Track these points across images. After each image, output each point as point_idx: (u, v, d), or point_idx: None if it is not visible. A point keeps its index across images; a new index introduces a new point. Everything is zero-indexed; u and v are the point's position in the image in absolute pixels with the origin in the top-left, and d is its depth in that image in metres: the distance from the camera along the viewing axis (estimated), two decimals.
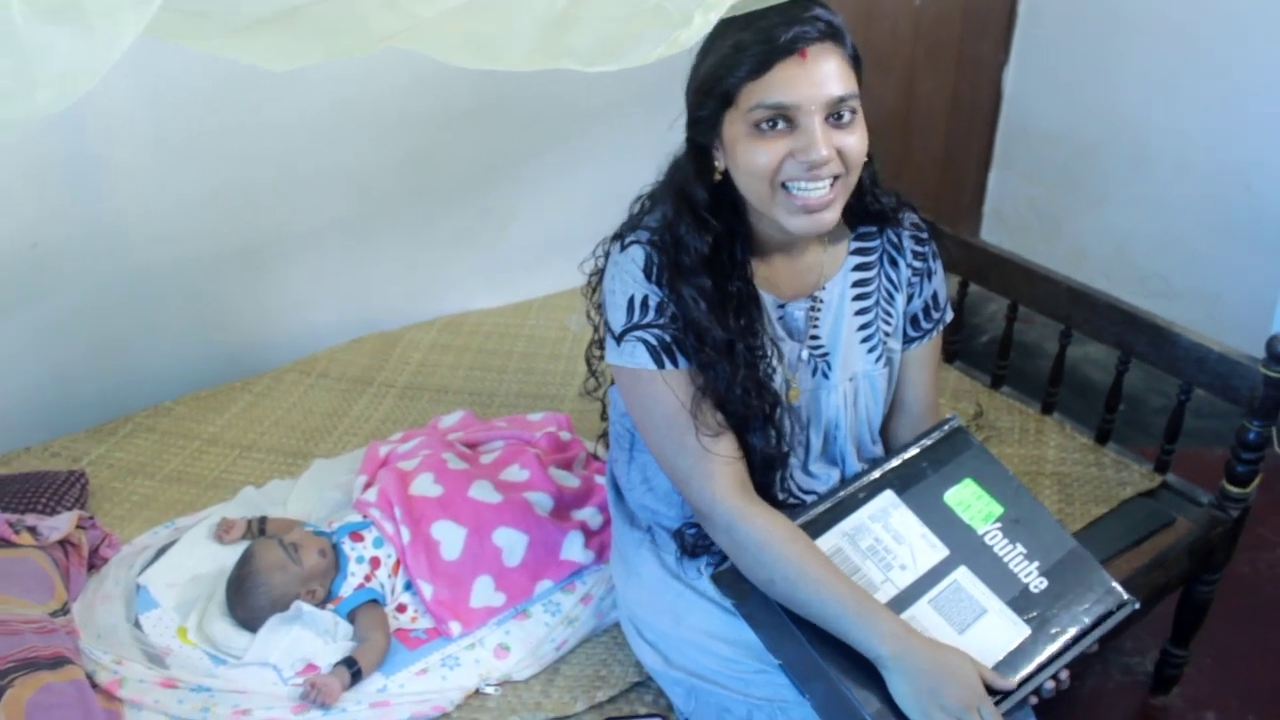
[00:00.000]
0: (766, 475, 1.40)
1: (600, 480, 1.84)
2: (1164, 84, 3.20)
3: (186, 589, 1.66)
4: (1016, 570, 1.39)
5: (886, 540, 1.38)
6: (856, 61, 1.28)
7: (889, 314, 1.50)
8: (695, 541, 1.47)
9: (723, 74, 1.25)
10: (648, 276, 1.34)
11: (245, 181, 2.21)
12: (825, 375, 1.46)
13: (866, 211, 1.46)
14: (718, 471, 1.33)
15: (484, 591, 1.63)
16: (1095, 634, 1.36)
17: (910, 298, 1.51)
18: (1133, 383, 3.10)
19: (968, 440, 1.49)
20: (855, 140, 1.27)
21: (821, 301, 1.45)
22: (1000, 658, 1.30)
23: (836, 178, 1.27)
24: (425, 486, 1.73)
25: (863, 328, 1.47)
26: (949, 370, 2.36)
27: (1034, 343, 3.30)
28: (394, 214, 2.44)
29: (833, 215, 1.29)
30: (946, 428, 1.50)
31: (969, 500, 1.44)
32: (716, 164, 1.33)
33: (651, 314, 1.34)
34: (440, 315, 2.54)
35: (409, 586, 1.66)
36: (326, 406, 2.21)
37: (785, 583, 1.29)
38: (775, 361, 1.39)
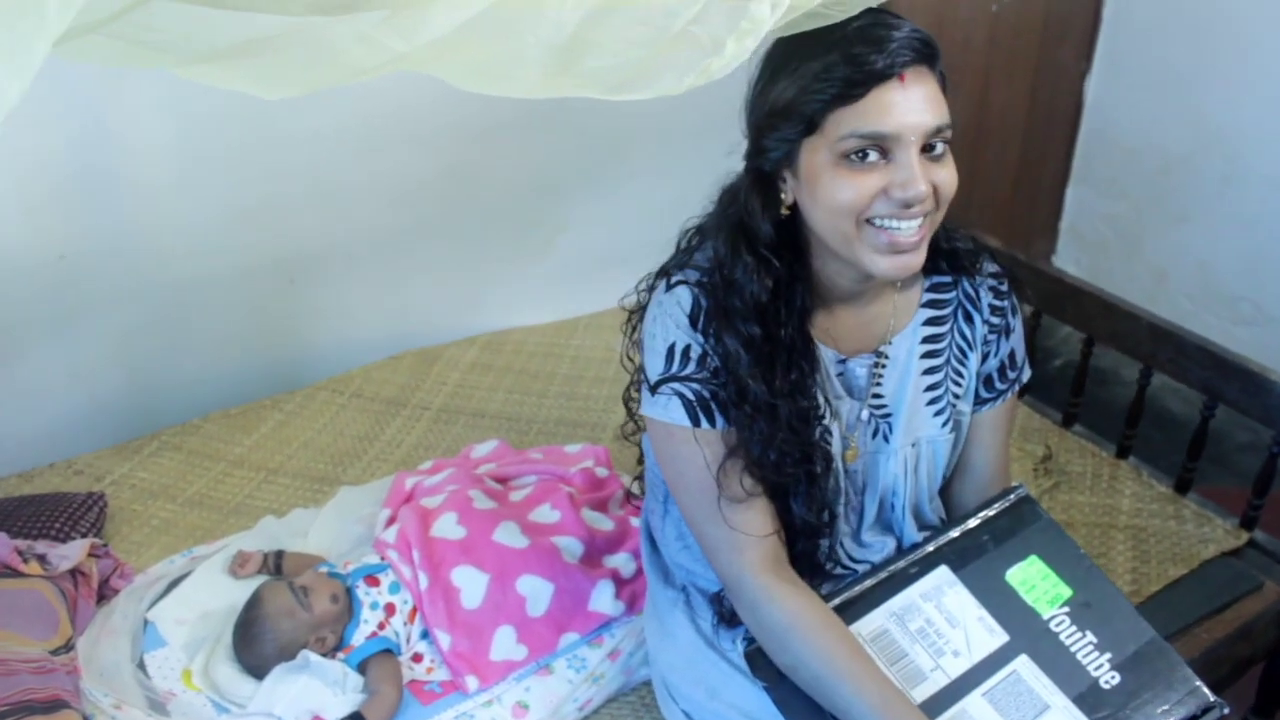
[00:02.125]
0: (810, 543, 1.27)
1: (636, 523, 1.73)
2: (1258, 94, 2.99)
3: (196, 626, 1.59)
4: (1085, 662, 1.23)
5: (939, 622, 1.24)
6: (944, 84, 1.14)
7: (960, 374, 1.34)
8: (734, 609, 1.35)
9: (806, 98, 1.11)
10: (693, 324, 1.20)
11: (278, 195, 2.14)
12: (885, 439, 1.32)
13: (938, 250, 1.31)
14: (749, 544, 1.21)
15: (505, 643, 1.53)
16: None
17: (985, 357, 1.36)
18: (1218, 420, 2.91)
19: (1036, 512, 1.34)
20: (948, 174, 1.14)
21: (887, 358, 1.30)
22: None
23: (926, 215, 1.13)
24: (447, 528, 1.63)
25: (930, 388, 1.32)
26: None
27: (1109, 368, 3.12)
28: (433, 227, 2.36)
29: (921, 257, 1.15)
30: (1013, 497, 1.35)
31: (1034, 580, 1.29)
32: (784, 196, 1.19)
33: (693, 366, 1.21)
34: (482, 332, 2.44)
35: (426, 635, 1.56)
36: (358, 429, 2.12)
37: (809, 673, 1.17)
38: (830, 422, 1.26)
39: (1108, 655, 1.24)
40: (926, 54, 1.10)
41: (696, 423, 1.21)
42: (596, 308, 2.51)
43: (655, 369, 1.23)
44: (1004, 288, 1.36)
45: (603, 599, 1.59)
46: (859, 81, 1.08)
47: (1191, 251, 3.28)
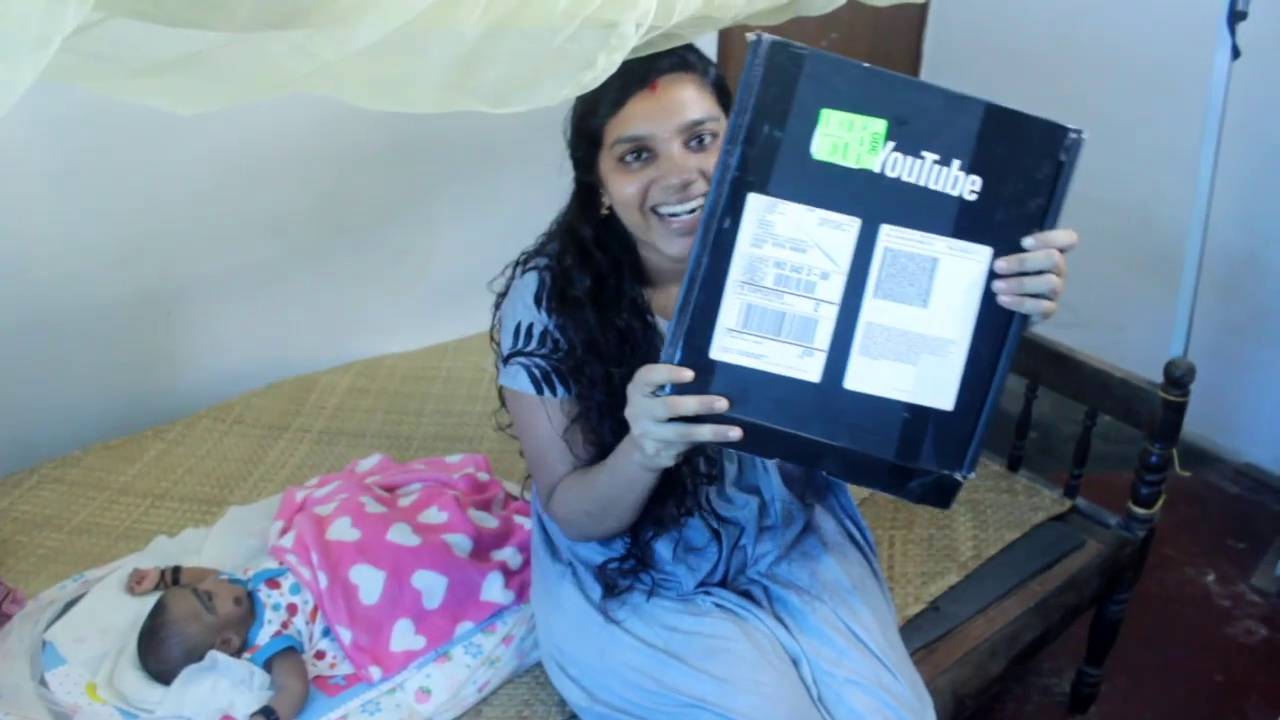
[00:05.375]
0: (666, 506, 1.42)
1: (519, 520, 1.84)
2: (1066, 118, 3.29)
3: (96, 643, 1.61)
4: (940, 186, 1.07)
5: (786, 257, 1.07)
6: (721, 89, 1.32)
7: None
8: (617, 578, 1.47)
9: (588, 116, 1.31)
10: (537, 303, 1.39)
11: (153, 229, 2.18)
12: None
13: None
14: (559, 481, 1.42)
15: (404, 635, 1.61)
16: (1062, 190, 1.09)
17: None
18: (1044, 411, 3.18)
19: (794, 54, 1.05)
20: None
21: None
22: (982, 291, 1.09)
23: (702, 198, 1.28)
24: (342, 530, 1.71)
25: None
26: None
27: None
28: (308, 257, 2.43)
29: None
30: (761, 52, 1.04)
31: (841, 136, 1.06)
32: (603, 200, 1.37)
33: (535, 342, 1.39)
34: (357, 358, 2.52)
35: (327, 633, 1.63)
36: (242, 453, 2.17)
37: (589, 502, 1.37)
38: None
39: (956, 163, 1.07)
40: (680, 64, 1.28)
41: (540, 391, 1.39)
42: (465, 332, 2.63)
43: (506, 344, 1.42)
44: None
45: (493, 589, 1.69)
46: (618, 96, 1.27)
47: None
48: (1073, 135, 1.09)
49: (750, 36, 1.06)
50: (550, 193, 1.46)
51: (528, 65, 1.03)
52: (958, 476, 1.13)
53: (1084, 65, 3.29)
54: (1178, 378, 1.90)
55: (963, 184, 1.07)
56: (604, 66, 1.04)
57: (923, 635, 1.75)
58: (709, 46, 2.77)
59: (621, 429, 1.33)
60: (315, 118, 2.24)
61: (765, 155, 1.06)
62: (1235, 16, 1.76)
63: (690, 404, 1.07)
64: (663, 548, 1.48)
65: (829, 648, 1.44)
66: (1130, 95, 3.20)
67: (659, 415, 1.09)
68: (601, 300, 1.38)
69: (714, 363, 1.09)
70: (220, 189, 2.23)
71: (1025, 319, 1.10)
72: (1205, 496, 3.06)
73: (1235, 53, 1.78)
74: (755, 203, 1.07)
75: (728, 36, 2.91)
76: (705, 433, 1.08)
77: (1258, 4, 1.79)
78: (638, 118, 1.27)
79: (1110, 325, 3.42)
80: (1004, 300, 1.08)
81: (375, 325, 2.59)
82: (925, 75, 3.66)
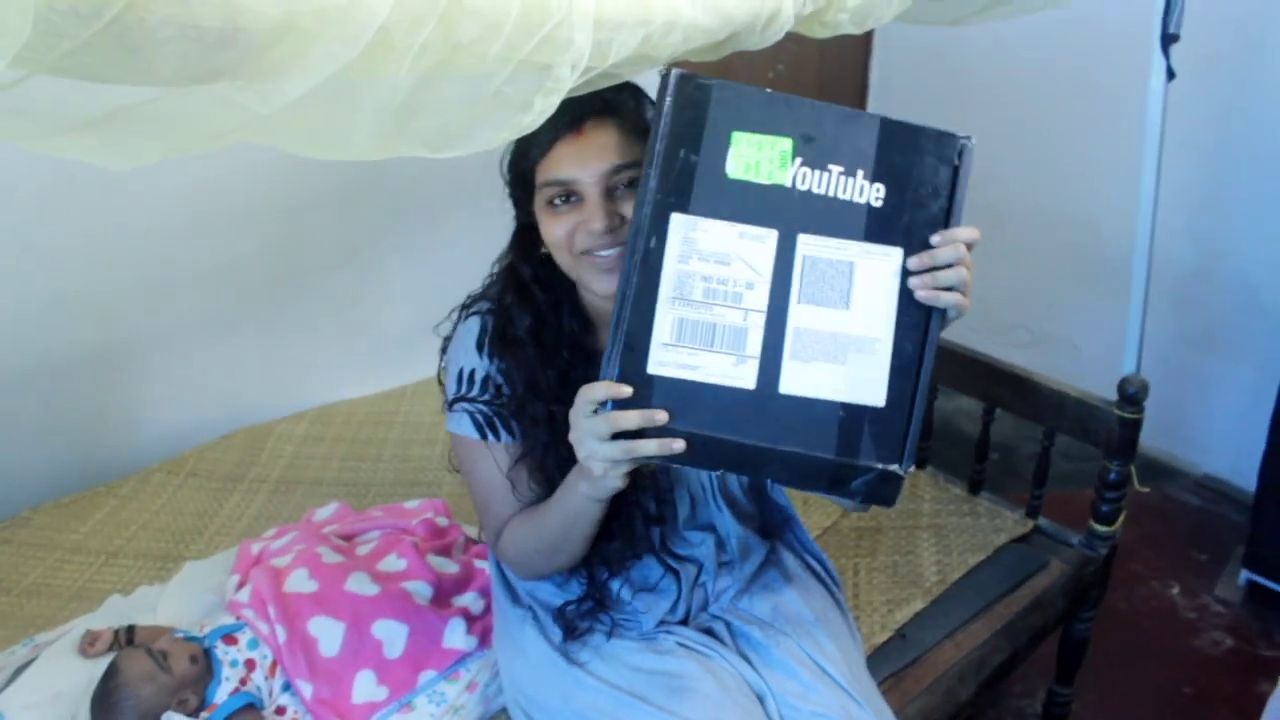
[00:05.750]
0: (615, 543, 1.42)
1: (480, 564, 1.82)
2: (1013, 141, 3.35)
3: (47, 710, 1.57)
4: (849, 196, 1.14)
5: (712, 271, 1.12)
6: (642, 130, 1.29)
7: None
8: (579, 620, 1.46)
9: (520, 158, 1.32)
10: (479, 349, 1.40)
11: (98, 285, 2.15)
12: None
13: None
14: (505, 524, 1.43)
15: (366, 686, 1.58)
16: (964, 192, 1.16)
17: None
18: (1005, 433, 3.20)
19: (701, 85, 1.13)
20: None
21: None
22: (898, 289, 1.14)
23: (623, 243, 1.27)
24: (300, 582, 1.68)
25: None
26: None
27: None
28: (258, 306, 2.41)
29: None
30: (670, 85, 1.13)
31: (752, 156, 1.14)
32: (544, 240, 1.36)
33: (477, 388, 1.40)
34: (312, 406, 2.50)
35: (288, 687, 1.60)
36: (196, 507, 2.14)
37: (537, 540, 1.37)
38: None
39: (859, 173, 1.14)
40: (605, 108, 1.27)
41: (484, 436, 1.40)
42: (422, 375, 2.58)
43: (451, 389, 1.43)
44: None
45: (455, 635, 1.66)
46: (547, 139, 1.27)
47: (974, 289, 3.60)
48: (963, 141, 1.17)
49: (660, 71, 1.14)
50: (500, 234, 1.46)
51: (464, 110, 1.02)
52: (898, 470, 1.15)
53: (1026, 85, 3.34)
54: (1131, 395, 1.91)
55: (868, 192, 1.14)
56: (541, 109, 1.03)
57: (890, 663, 1.74)
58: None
59: (567, 466, 1.34)
60: (257, 166, 2.21)
61: (684, 177, 1.13)
62: (1168, 40, 1.79)
63: (631, 417, 1.09)
64: (624, 591, 1.46)
65: (794, 682, 1.43)
66: (1072, 112, 3.25)
67: (602, 433, 1.10)
68: (542, 339, 1.38)
69: (652, 378, 1.12)
70: (164, 242, 2.20)
71: (943, 314, 1.15)
72: (1166, 510, 3.08)
73: (1170, 74, 1.81)
74: (678, 222, 1.13)
75: None
76: (650, 447, 1.10)
77: (1192, 21, 1.82)
78: (563, 162, 1.27)
79: (1066, 342, 3.45)
80: (921, 295, 1.13)
81: (330, 372, 2.56)
82: (872, 99, 3.70)
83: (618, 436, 1.11)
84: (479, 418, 1.40)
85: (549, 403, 1.37)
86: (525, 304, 1.39)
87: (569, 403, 1.34)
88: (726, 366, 1.12)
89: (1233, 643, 2.58)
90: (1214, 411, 3.20)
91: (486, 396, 1.40)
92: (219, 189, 2.21)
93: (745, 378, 1.12)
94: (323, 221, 2.41)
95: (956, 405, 3.26)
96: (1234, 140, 2.94)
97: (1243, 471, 3.06)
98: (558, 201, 1.29)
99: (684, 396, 1.11)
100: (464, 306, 1.46)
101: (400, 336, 2.64)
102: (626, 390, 1.10)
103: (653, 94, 1.21)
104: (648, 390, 1.11)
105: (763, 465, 1.16)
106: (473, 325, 1.42)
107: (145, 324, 2.27)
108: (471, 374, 1.40)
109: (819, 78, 3.46)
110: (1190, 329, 3.15)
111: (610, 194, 1.27)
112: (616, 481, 1.18)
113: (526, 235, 1.40)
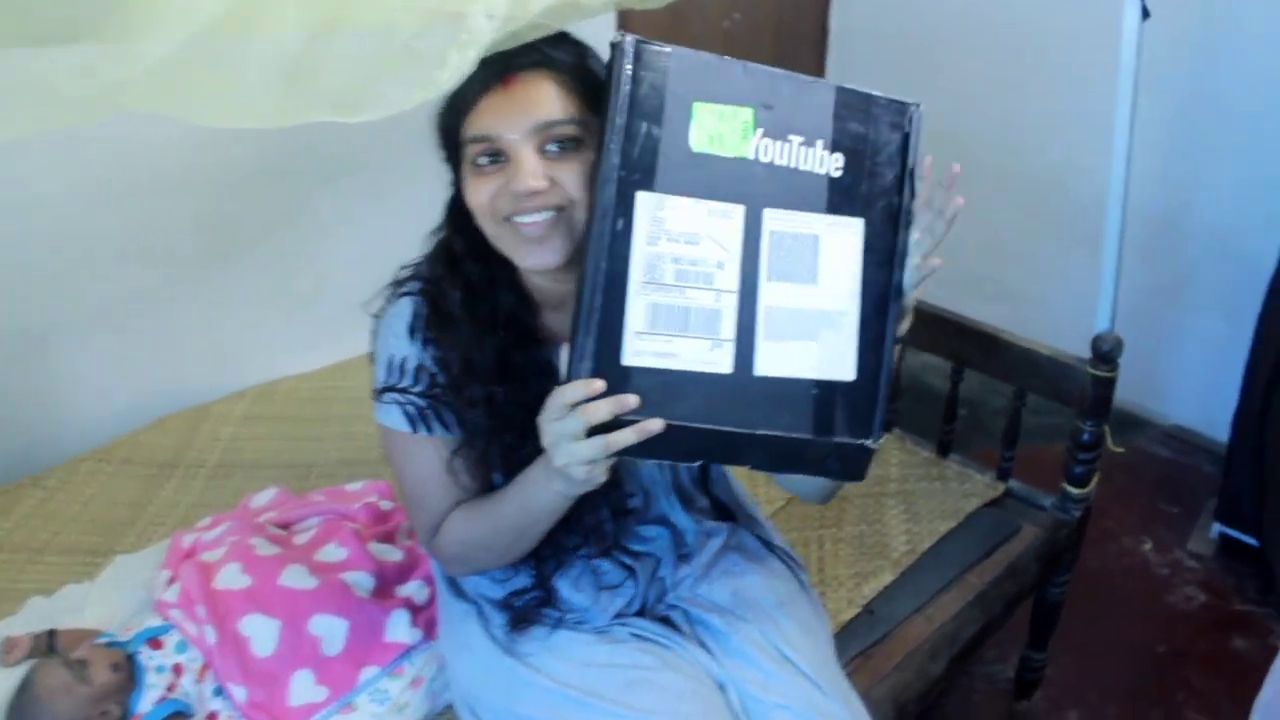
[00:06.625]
0: (571, 537, 1.34)
1: (425, 550, 1.72)
2: (977, 91, 3.26)
3: None
4: (810, 167, 1.11)
5: (682, 251, 1.07)
6: (595, 93, 1.17)
7: None
8: (524, 612, 1.37)
9: (445, 114, 1.19)
10: (411, 333, 1.28)
11: (15, 263, 2.02)
12: None
13: None
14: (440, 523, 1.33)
15: (303, 687, 1.48)
16: (915, 158, 1.16)
17: None
18: (972, 387, 3.12)
19: (657, 53, 1.07)
20: (572, 171, 1.16)
21: None
22: (861, 260, 1.13)
23: (560, 210, 1.17)
24: (231, 578, 1.58)
25: None
26: None
27: None
28: (192, 281, 2.28)
29: (555, 250, 1.19)
30: (624, 54, 1.06)
31: (714, 127, 1.09)
32: (469, 203, 1.24)
33: (408, 378, 1.29)
34: (252, 385, 2.38)
35: (219, 692, 1.50)
36: (129, 496, 2.02)
37: (490, 535, 1.28)
38: None
39: (819, 143, 1.12)
40: (542, 61, 1.15)
41: (415, 429, 1.29)
42: (367, 348, 2.48)
43: (379, 377, 1.31)
44: None
45: (399, 628, 1.57)
46: (473, 94, 1.14)
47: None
48: (912, 108, 1.16)
49: (613, 38, 1.07)
50: (439, 201, 1.34)
51: (370, 69, 0.92)
52: (868, 444, 1.13)
53: (990, 33, 3.25)
54: (1105, 353, 1.84)
55: (828, 162, 1.12)
56: (458, 64, 0.93)
57: (859, 641, 1.67)
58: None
59: (511, 456, 1.25)
60: (175, 133, 2.08)
61: (647, 152, 1.07)
62: None
63: (603, 408, 1.03)
64: (573, 588, 1.38)
65: (756, 670, 1.34)
66: (1038, 60, 3.17)
67: (575, 431, 1.03)
68: (477, 315, 1.27)
69: (628, 370, 1.05)
70: (85, 217, 2.06)
71: (901, 280, 1.14)
72: (1137, 463, 3.03)
73: (1145, 13, 1.71)
74: (645, 200, 1.07)
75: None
76: (628, 436, 1.03)
77: None
78: (488, 115, 1.15)
79: (1035, 296, 3.38)
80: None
81: (270, 348, 2.44)
82: (832, 51, 3.59)
83: (594, 433, 1.03)
84: (410, 410, 1.28)
85: (487, 384, 1.26)
86: (456, 278, 1.27)
87: (509, 385, 1.25)
88: (702, 352, 1.07)
89: (1205, 598, 2.53)
90: (1182, 361, 3.15)
91: (419, 387, 1.28)
92: (133, 161, 2.07)
93: (722, 362, 1.08)
94: (254, 190, 2.28)
95: (924, 361, 3.17)
96: (1203, 83, 2.86)
97: (1213, 422, 3.02)
98: (482, 161, 1.17)
99: (662, 387, 1.06)
100: (394, 284, 1.34)
101: (345, 307, 2.50)
102: (600, 385, 1.04)
103: (600, 50, 1.13)
104: (624, 384, 1.05)
105: (741, 451, 1.11)
106: (404, 308, 1.30)
107: (70, 303, 2.14)
108: (403, 362, 1.29)
109: (776, 27, 3.34)
110: (1159, 279, 3.08)
111: (542, 154, 1.16)
112: (601, 477, 1.10)
113: (460, 204, 1.27)
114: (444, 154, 1.24)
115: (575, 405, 1.03)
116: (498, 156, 1.16)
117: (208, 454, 2.15)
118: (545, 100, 1.15)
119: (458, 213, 1.28)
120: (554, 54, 1.16)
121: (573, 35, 1.20)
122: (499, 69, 1.12)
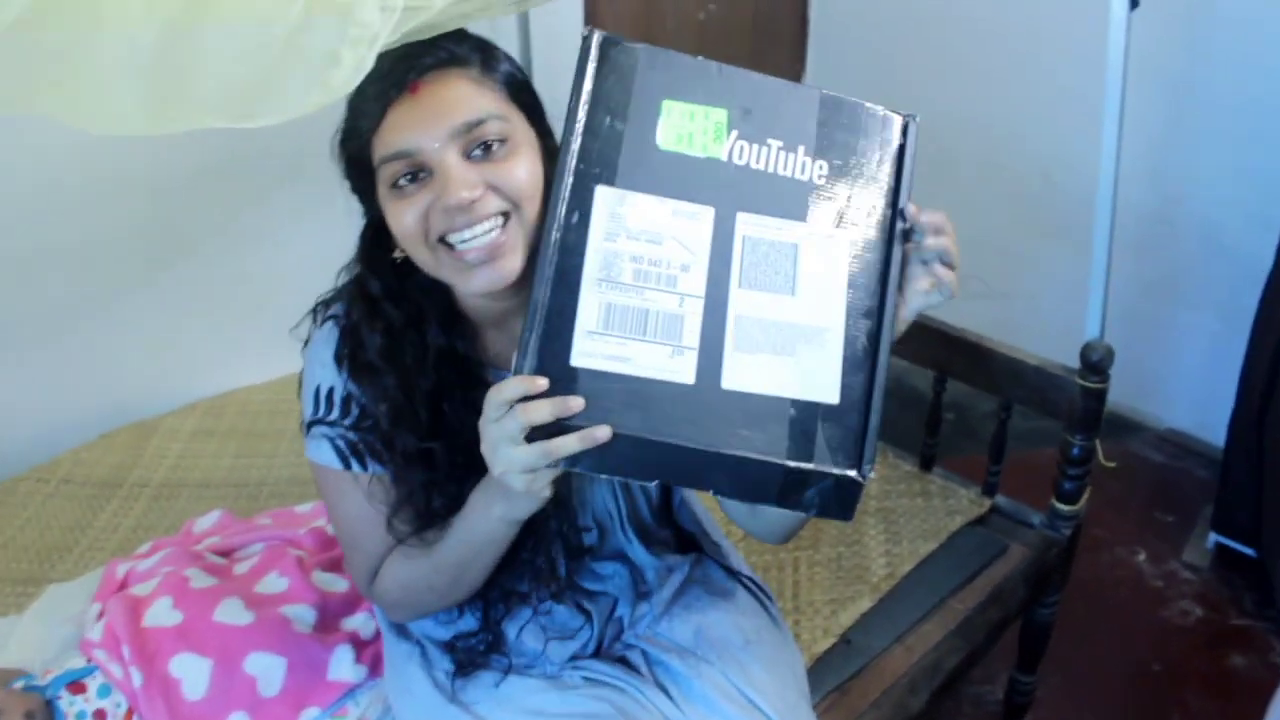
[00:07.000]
0: (521, 581, 1.24)
1: None
2: (961, 84, 3.16)
3: None
4: (789, 173, 1.05)
5: (644, 250, 1.00)
6: (514, 85, 1.09)
7: None
8: (470, 657, 1.27)
9: (350, 137, 1.08)
10: (338, 363, 1.16)
11: None
12: None
13: None
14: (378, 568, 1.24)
15: None
16: (908, 171, 1.08)
17: None
18: (960, 388, 3.03)
19: (627, 49, 1.03)
20: (519, 170, 1.07)
21: None
22: (847, 275, 1.05)
23: (506, 216, 1.07)
24: (161, 614, 1.47)
25: None
26: None
27: None
28: (135, 291, 2.17)
29: (512, 261, 1.08)
30: (592, 48, 1.03)
31: (684, 126, 1.03)
32: (394, 232, 1.12)
33: (337, 410, 1.17)
34: (202, 398, 2.27)
35: None
36: (67, 518, 1.91)
37: (432, 574, 1.18)
38: None
39: (800, 148, 1.06)
40: (450, 58, 1.05)
41: (348, 466, 1.18)
42: None
43: (307, 410, 1.20)
44: None
45: (342, 666, 1.46)
46: (377, 106, 1.04)
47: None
48: (907, 119, 1.10)
49: (582, 31, 1.03)
50: None
51: (250, 68, 0.81)
52: (856, 476, 1.00)
53: (974, 22, 3.14)
54: (1095, 362, 1.73)
55: (810, 169, 1.06)
56: (353, 63, 0.82)
57: (835, 674, 1.57)
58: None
59: (456, 506, 1.14)
60: (103, 139, 1.98)
61: (609, 146, 1.01)
62: None
63: (544, 408, 0.92)
64: (523, 633, 1.27)
65: (719, 717, 1.24)
66: (1024, 51, 3.07)
67: (513, 432, 0.92)
68: (400, 363, 1.15)
69: (575, 370, 0.96)
70: (13, 226, 1.95)
71: (895, 298, 1.05)
72: (1130, 468, 2.93)
73: (1133, 2, 1.61)
74: (604, 195, 1.01)
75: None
76: (571, 442, 0.92)
77: None
78: (399, 128, 1.03)
79: (1023, 294, 3.28)
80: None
81: (222, 359, 2.33)
82: (812, 41, 3.48)
83: (534, 438, 0.92)
84: (340, 444, 1.17)
85: (421, 437, 1.15)
86: (374, 322, 1.15)
87: (445, 437, 1.14)
88: (662, 358, 0.98)
89: (1202, 612, 2.44)
90: (1176, 362, 3.05)
91: (349, 421, 1.17)
92: (75, 155, 1.94)
93: (683, 371, 0.98)
94: (198, 195, 2.16)
95: (905, 364, 3.07)
96: (1194, 73, 2.76)
97: (1208, 425, 2.92)
98: (403, 181, 1.06)
99: (613, 393, 0.96)
100: (318, 307, 1.23)
101: (300, 313, 2.41)
102: (542, 383, 0.94)
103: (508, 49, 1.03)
104: (570, 385, 0.96)
105: (704, 473, 0.99)
106: (329, 333, 1.18)
107: (5, 315, 2.03)
108: (330, 393, 1.17)
109: (754, 17, 3.23)
110: (1150, 276, 2.98)
111: (469, 159, 1.05)
112: (542, 494, 1.00)
113: (375, 237, 1.16)
114: (352, 184, 1.13)
115: (515, 404, 0.93)
116: (419, 173, 1.05)
117: (153, 472, 2.04)
118: (460, 100, 1.04)
119: (370, 248, 1.17)
120: (458, 50, 1.06)
121: (473, 32, 1.10)
122: (400, 75, 1.02)
